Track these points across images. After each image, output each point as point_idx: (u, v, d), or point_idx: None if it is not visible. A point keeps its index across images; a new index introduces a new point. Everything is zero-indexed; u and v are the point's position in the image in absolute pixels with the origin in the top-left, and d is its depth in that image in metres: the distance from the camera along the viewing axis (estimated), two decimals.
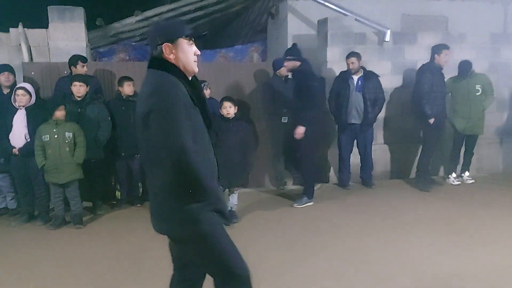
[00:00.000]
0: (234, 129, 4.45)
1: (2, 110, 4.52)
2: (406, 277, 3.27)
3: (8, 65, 4.92)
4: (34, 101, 4.49)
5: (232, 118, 4.51)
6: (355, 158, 5.87)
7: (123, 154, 5.01)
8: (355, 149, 5.84)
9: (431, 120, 5.42)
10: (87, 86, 4.76)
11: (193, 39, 2.00)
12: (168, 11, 6.90)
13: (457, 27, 6.74)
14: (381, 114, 5.94)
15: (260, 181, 5.99)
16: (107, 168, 5.22)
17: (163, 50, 1.94)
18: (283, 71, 5.61)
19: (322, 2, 6.24)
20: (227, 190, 4.57)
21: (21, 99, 4.43)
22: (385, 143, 6.31)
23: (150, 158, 1.92)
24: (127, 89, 4.95)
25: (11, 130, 4.48)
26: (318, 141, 5.37)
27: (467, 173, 5.99)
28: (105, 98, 5.23)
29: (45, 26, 5.59)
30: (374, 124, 5.75)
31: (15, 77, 4.86)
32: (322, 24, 6.14)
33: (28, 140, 4.46)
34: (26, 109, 4.44)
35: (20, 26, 5.48)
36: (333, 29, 6.00)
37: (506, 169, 6.67)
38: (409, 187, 5.84)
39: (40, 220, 4.62)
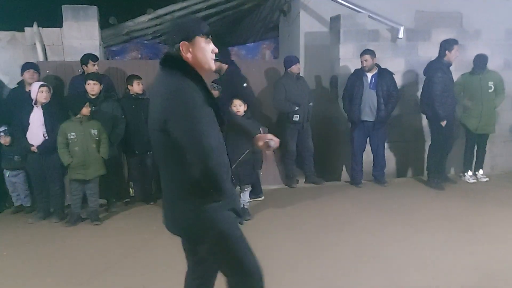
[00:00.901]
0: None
1: (23, 107, 4.59)
2: (420, 274, 3.26)
3: (34, 63, 5.01)
4: (49, 99, 4.54)
5: (242, 116, 4.52)
6: (367, 156, 5.84)
7: (136, 151, 5.06)
8: (367, 147, 5.80)
9: (444, 123, 5.36)
10: (100, 84, 4.81)
11: (210, 37, 1.99)
12: (180, 9, 6.93)
13: (472, 23, 6.64)
14: (394, 112, 5.90)
15: (272, 179, 5.98)
16: (121, 166, 5.27)
17: (181, 49, 1.92)
18: (294, 69, 5.60)
19: None
20: (238, 187, 4.58)
21: (46, 96, 4.50)
22: (397, 140, 6.26)
23: (166, 160, 1.93)
24: (136, 87, 5.00)
25: (27, 128, 4.53)
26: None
27: (481, 171, 5.91)
28: (117, 96, 5.28)
29: (60, 25, 5.66)
30: (387, 122, 5.71)
31: (39, 75, 4.93)
32: (335, 21, 6.11)
33: (46, 137, 4.52)
34: (42, 107, 4.50)
35: (35, 25, 5.56)
36: (345, 26, 5.96)
37: None
38: (422, 185, 5.79)
39: (55, 217, 4.69)
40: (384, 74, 5.54)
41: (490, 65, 5.72)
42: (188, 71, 1.91)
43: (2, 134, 4.73)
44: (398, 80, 6.16)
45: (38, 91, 4.45)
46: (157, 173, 5.21)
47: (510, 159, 6.55)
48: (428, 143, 6.07)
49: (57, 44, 5.67)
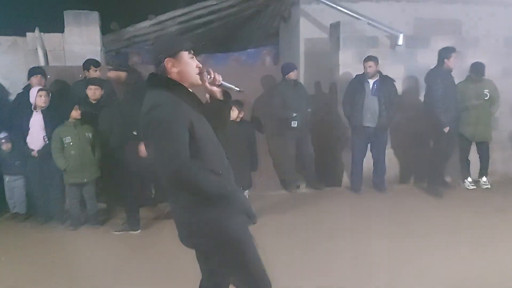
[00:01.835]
0: (240, 132, 4.54)
1: (23, 112, 4.61)
2: (419, 282, 3.26)
3: (41, 67, 5.04)
4: (48, 104, 4.56)
5: (238, 122, 4.57)
6: (368, 162, 5.85)
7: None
8: (368, 153, 5.81)
9: (446, 129, 5.37)
10: (102, 89, 4.83)
11: (193, 52, 2.02)
12: (181, 15, 6.96)
13: (471, 31, 6.69)
14: (394, 118, 5.90)
15: (272, 185, 5.99)
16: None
17: (166, 66, 1.96)
18: (291, 75, 5.64)
19: (335, 6, 6.24)
20: None
21: (45, 100, 4.52)
22: (396, 147, 6.27)
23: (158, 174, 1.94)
24: None
25: (26, 133, 4.54)
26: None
27: (484, 178, 5.91)
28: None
29: (61, 30, 5.69)
30: (388, 128, 5.72)
31: (46, 80, 4.96)
32: (335, 27, 6.14)
33: (47, 142, 4.53)
34: (42, 111, 4.51)
35: (37, 30, 5.59)
36: (345, 33, 5.99)
37: None
38: (422, 192, 5.79)
39: (55, 222, 4.69)
40: (385, 81, 5.57)
41: (489, 73, 5.75)
42: (172, 86, 1.95)
43: (3, 141, 4.74)
44: (398, 87, 6.16)
45: (36, 95, 4.47)
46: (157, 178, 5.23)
47: (510, 165, 6.57)
48: (426, 149, 6.08)
49: (58, 49, 5.70)
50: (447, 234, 4.23)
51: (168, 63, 1.96)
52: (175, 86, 1.95)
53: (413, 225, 4.51)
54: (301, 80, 6.39)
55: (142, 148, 4.01)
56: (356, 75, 5.71)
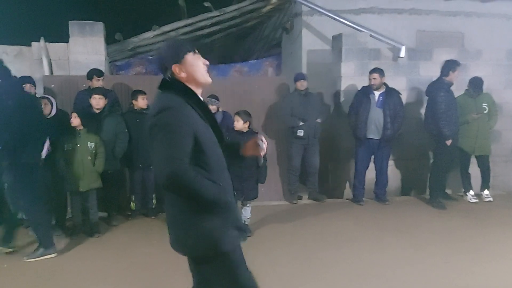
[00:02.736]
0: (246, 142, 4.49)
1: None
2: None
3: (30, 76, 5.08)
4: (54, 113, 4.59)
5: (245, 132, 4.55)
6: (370, 173, 5.84)
7: (140, 165, 5.09)
8: (371, 165, 5.81)
9: (449, 142, 5.37)
10: (105, 99, 4.87)
11: (197, 51, 2.03)
12: (184, 26, 7.04)
13: (473, 43, 6.73)
14: None
15: (273, 195, 5.99)
16: (123, 179, 5.29)
17: (174, 72, 1.97)
18: (298, 85, 5.70)
19: (337, 18, 6.30)
20: (239, 203, 4.59)
21: (48, 108, 4.56)
22: (399, 158, 6.27)
23: (156, 176, 1.97)
24: (141, 102, 5.06)
25: None
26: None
27: (486, 191, 5.89)
28: (122, 111, 5.34)
29: (66, 40, 5.76)
30: (392, 140, 5.71)
31: (35, 89, 5.00)
32: (337, 39, 6.19)
33: (50, 150, 4.55)
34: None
35: (42, 40, 5.66)
36: (347, 45, 6.04)
37: None
38: (424, 204, 5.77)
39: (57, 229, 4.68)
40: (391, 93, 5.59)
41: (491, 85, 5.77)
42: (182, 90, 1.96)
43: None
44: None
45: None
46: (159, 187, 5.23)
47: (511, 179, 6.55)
48: (427, 161, 6.08)
49: (63, 58, 5.77)
50: (449, 246, 4.20)
51: (175, 69, 1.97)
52: (187, 92, 1.96)
53: (415, 237, 4.49)
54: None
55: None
56: (362, 87, 5.73)
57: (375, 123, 5.57)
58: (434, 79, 5.64)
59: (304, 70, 6.87)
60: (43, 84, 5.41)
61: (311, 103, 5.73)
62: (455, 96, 5.56)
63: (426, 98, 5.73)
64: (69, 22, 5.73)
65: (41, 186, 4.58)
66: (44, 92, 5.26)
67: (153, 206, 5.32)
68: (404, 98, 6.19)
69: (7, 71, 3.91)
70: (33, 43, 5.69)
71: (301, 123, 5.60)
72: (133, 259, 4.01)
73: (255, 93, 5.98)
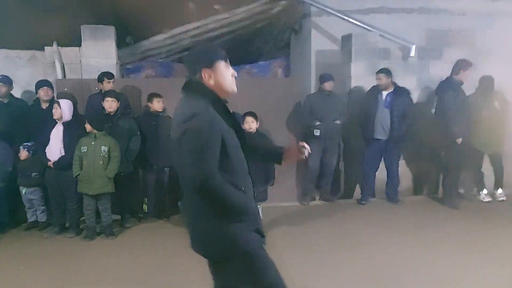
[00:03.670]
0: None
1: (41, 124, 4.71)
2: None
3: (47, 80, 5.16)
4: (70, 117, 4.65)
5: (254, 133, 4.58)
6: (381, 173, 5.82)
7: (154, 167, 5.14)
8: (382, 164, 5.78)
9: (459, 140, 5.34)
10: (118, 101, 4.92)
11: (228, 61, 2.05)
12: (194, 28, 7.07)
13: (484, 42, 6.66)
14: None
15: (287, 196, 5.97)
16: (135, 182, 5.34)
17: (202, 76, 1.99)
18: (326, 86, 5.69)
19: (346, 18, 6.29)
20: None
21: (54, 113, 4.62)
22: (411, 158, 6.24)
23: (184, 180, 1.97)
24: (157, 105, 5.10)
25: (48, 144, 4.64)
26: None
27: (500, 190, 5.84)
28: (133, 113, 5.39)
29: (78, 44, 5.82)
30: (404, 140, 5.67)
31: (53, 92, 5.08)
32: (346, 39, 6.18)
33: (63, 154, 4.62)
34: (63, 123, 4.61)
35: (55, 44, 5.73)
36: (357, 45, 6.03)
37: None
38: (437, 203, 5.75)
39: (71, 232, 4.75)
40: (400, 93, 5.57)
41: (503, 84, 5.72)
42: (208, 95, 1.97)
43: (21, 148, 4.83)
44: None
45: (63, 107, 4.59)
46: (172, 189, 5.29)
47: None
48: (439, 161, 6.04)
49: (75, 62, 5.83)
50: (462, 246, 4.18)
51: (205, 73, 1.99)
52: (213, 97, 1.98)
53: (428, 237, 4.48)
54: (313, 91, 6.43)
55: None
56: (372, 87, 5.72)
57: (382, 123, 5.56)
58: (445, 78, 5.61)
59: (313, 71, 6.86)
60: (56, 87, 5.48)
61: (333, 104, 5.70)
62: (467, 95, 5.52)
63: (436, 97, 5.70)
64: (81, 26, 5.78)
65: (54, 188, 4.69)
66: (57, 96, 5.33)
67: (166, 208, 5.36)
68: (414, 97, 6.18)
69: None
70: (46, 47, 5.76)
71: (318, 123, 5.59)
72: (147, 260, 4.05)
73: (264, 95, 5.98)
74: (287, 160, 2.27)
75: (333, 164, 5.85)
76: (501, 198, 5.80)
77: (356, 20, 6.22)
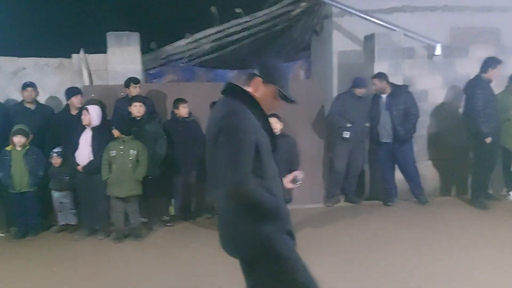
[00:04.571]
0: (281, 145, 4.49)
1: (71, 130, 4.83)
2: None
3: (78, 87, 5.30)
4: (99, 122, 4.75)
5: (279, 135, 4.58)
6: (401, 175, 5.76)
7: (182, 171, 5.20)
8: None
9: (488, 139, 5.22)
10: (144, 106, 5.00)
11: (284, 94, 2.05)
12: (216, 32, 7.15)
13: (510, 39, 6.53)
14: (433, 129, 5.81)
15: (312, 197, 5.94)
16: (162, 185, 5.40)
17: (254, 82, 2.03)
18: (357, 91, 5.64)
19: (368, 18, 6.26)
20: None
21: (84, 118, 4.74)
22: (438, 158, 6.14)
23: (218, 180, 1.97)
24: (182, 111, 5.17)
25: (77, 149, 4.76)
26: None
27: None
28: (159, 117, 5.46)
29: (104, 50, 5.94)
30: (411, 139, 5.59)
31: (83, 99, 5.22)
32: (369, 39, 6.14)
33: (92, 158, 4.72)
34: (92, 129, 4.72)
35: (82, 52, 5.87)
36: (380, 45, 5.98)
37: None
38: (465, 204, 5.62)
39: (101, 234, 4.84)
40: (398, 93, 5.52)
41: None
42: (247, 98, 2.01)
43: (55, 155, 4.95)
44: (435, 97, 6.11)
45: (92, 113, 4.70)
46: (198, 192, 5.31)
47: None
48: (466, 161, 5.93)
49: (102, 69, 5.95)
50: (493, 247, 4.09)
51: (258, 82, 2.02)
52: (252, 101, 2.01)
53: (457, 238, 4.39)
54: (334, 93, 6.41)
55: None
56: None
57: (385, 126, 5.55)
58: (471, 76, 5.51)
59: (334, 72, 6.86)
60: (83, 94, 5.59)
61: (364, 106, 5.68)
62: (495, 93, 5.42)
63: (464, 96, 5.60)
64: (107, 33, 5.90)
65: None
66: (85, 102, 5.44)
67: (192, 211, 5.41)
68: (440, 96, 6.10)
69: None
70: (73, 55, 5.90)
71: (349, 125, 5.57)
72: (174, 262, 4.10)
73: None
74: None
75: (359, 165, 5.82)
76: None
77: (379, 20, 6.18)
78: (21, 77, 5.65)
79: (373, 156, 5.97)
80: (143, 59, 6.35)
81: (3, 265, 4.17)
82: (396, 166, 5.73)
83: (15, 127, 4.82)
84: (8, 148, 4.84)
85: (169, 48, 7.05)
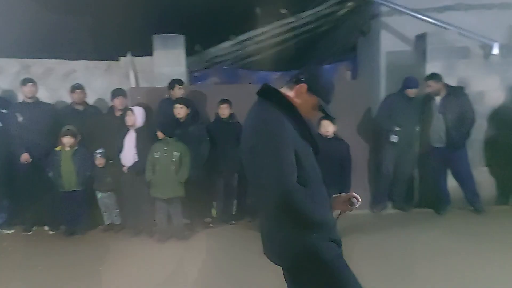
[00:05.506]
0: (333, 148, 4.36)
1: (114, 131, 4.93)
2: None
3: (122, 89, 5.40)
4: (143, 123, 4.81)
5: (331, 138, 4.45)
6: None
7: (223, 173, 5.18)
8: None
9: None
10: (188, 108, 5.02)
11: (325, 109, 2.00)
12: (261, 34, 7.09)
13: None
14: (490, 133, 5.45)
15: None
16: (204, 186, 5.40)
17: (296, 89, 1.96)
18: (409, 92, 5.38)
19: (420, 16, 5.98)
20: None
21: (128, 119, 4.83)
22: (492, 164, 5.75)
23: (258, 190, 1.93)
24: (223, 110, 5.15)
25: (122, 150, 4.84)
26: None
27: None
28: (202, 119, 5.47)
29: (150, 53, 6.04)
30: (465, 145, 5.28)
31: (127, 100, 5.31)
32: (420, 39, 5.87)
33: (137, 159, 4.78)
34: (136, 130, 4.79)
35: (129, 54, 6.00)
36: (432, 44, 5.70)
37: None
38: None
39: (144, 234, 4.90)
40: (454, 95, 5.21)
41: None
42: (285, 104, 1.94)
43: (98, 155, 5.07)
44: (493, 99, 5.75)
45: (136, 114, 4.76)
46: (240, 194, 5.28)
47: None
48: None
49: (148, 71, 6.04)
50: None
51: (301, 89, 1.96)
52: (289, 107, 1.94)
53: None
54: (382, 95, 6.16)
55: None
56: (425, 94, 5.39)
57: (438, 130, 5.23)
58: None
59: (382, 73, 6.59)
60: (129, 95, 5.71)
61: (414, 108, 5.42)
62: None
63: None
64: (153, 36, 5.99)
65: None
66: (131, 103, 5.55)
67: (234, 213, 5.37)
68: (497, 98, 5.73)
69: None
70: (121, 58, 6.04)
71: (397, 128, 5.34)
72: (216, 264, 4.07)
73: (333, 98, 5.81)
74: (332, 208, 2.11)
75: (408, 170, 5.56)
76: None
77: (431, 18, 5.89)
78: (71, 80, 5.84)
79: (424, 161, 5.68)
80: (187, 61, 6.40)
81: (51, 262, 4.29)
82: (449, 172, 5.41)
83: (64, 128, 4.97)
84: (57, 149, 4.99)
85: (213, 50, 7.06)
